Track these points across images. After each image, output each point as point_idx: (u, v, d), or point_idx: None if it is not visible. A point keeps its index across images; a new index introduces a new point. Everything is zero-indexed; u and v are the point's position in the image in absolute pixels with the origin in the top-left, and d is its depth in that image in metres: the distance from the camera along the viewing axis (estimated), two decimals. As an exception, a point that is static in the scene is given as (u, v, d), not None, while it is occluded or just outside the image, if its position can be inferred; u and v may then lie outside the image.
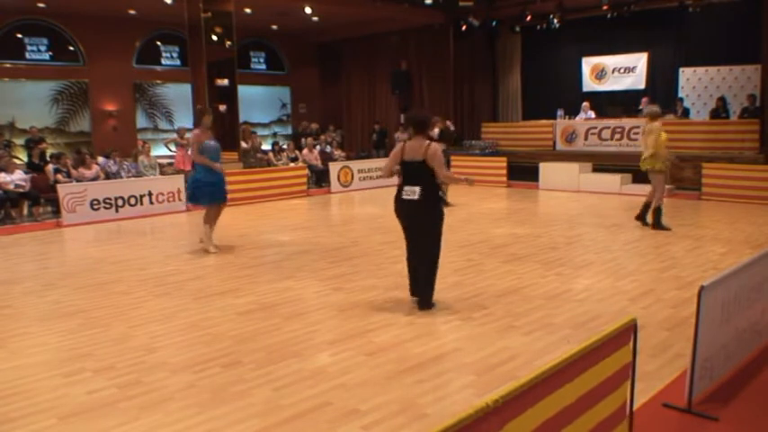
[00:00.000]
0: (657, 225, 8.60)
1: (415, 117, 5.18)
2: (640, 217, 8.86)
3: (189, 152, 11.86)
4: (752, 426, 3.28)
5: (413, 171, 4.99)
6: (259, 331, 4.79)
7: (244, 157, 13.53)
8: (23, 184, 10.65)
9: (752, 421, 3.31)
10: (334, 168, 14.07)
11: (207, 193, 7.47)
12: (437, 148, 5.04)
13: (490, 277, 6.25)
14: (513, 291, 5.75)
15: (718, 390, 3.57)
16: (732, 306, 3.57)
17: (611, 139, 13.76)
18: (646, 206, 8.77)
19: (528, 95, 17.14)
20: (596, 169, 13.51)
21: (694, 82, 14.46)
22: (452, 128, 13.80)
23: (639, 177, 12.81)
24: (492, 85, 17.64)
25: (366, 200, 12.69)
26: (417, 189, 4.96)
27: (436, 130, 10.87)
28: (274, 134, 18.97)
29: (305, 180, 13.56)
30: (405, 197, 5.03)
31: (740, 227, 8.73)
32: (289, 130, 19.37)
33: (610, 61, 15.85)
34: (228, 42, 12.94)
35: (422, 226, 5.09)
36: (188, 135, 12.96)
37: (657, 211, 8.62)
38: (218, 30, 12.76)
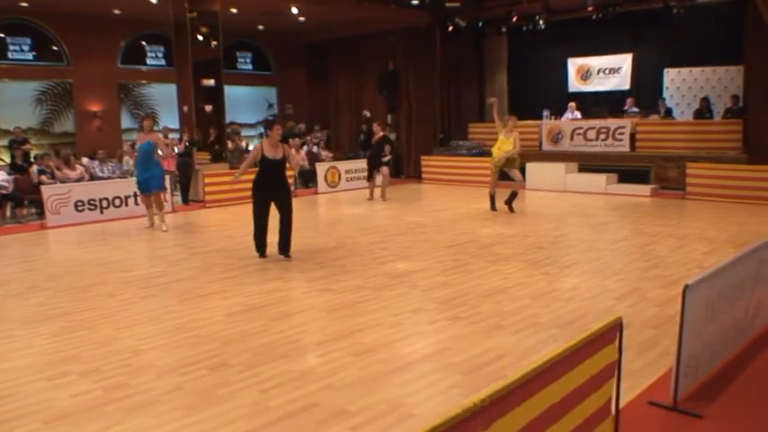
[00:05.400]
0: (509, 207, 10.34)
1: (265, 123, 6.46)
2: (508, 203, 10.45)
3: (173, 152, 11.82)
4: (736, 422, 3.32)
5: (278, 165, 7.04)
6: (246, 333, 4.77)
7: (230, 158, 13.44)
8: (6, 185, 10.51)
9: (736, 418, 3.35)
10: (321, 169, 14.04)
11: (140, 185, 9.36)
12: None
13: (477, 277, 6.27)
14: (500, 290, 5.78)
15: (703, 387, 3.61)
16: (716, 304, 3.61)
17: (597, 139, 13.85)
18: (512, 194, 10.45)
19: (514, 96, 17.15)
20: (582, 169, 13.60)
21: (678, 82, 14.60)
22: (392, 137, 14.95)
23: (625, 177, 12.98)
24: (479, 86, 17.66)
25: (353, 200, 12.67)
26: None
27: (381, 134, 11.99)
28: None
29: (292, 181, 13.49)
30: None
31: (724, 226, 8.83)
32: (276, 131, 19.29)
33: (595, 62, 15.94)
34: (214, 42, 12.84)
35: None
36: (171, 135, 12.93)
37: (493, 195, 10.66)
38: (203, 30, 12.67)
